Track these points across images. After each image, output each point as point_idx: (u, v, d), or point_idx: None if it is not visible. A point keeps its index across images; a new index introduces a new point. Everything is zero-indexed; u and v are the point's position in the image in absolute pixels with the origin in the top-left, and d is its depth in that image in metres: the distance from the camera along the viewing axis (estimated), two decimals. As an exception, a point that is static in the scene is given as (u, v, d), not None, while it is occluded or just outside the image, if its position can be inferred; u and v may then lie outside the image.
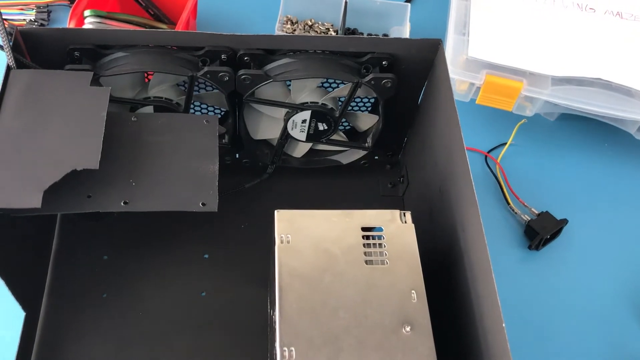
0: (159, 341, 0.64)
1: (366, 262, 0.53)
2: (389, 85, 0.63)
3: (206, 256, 0.70)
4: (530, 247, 0.74)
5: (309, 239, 0.54)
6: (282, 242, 0.54)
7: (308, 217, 0.56)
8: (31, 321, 0.63)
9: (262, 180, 0.74)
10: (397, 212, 0.57)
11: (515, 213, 0.76)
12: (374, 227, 0.56)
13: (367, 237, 0.55)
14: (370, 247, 0.54)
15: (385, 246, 0.54)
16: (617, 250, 0.75)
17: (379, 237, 0.55)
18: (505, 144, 0.82)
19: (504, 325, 0.47)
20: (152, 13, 0.85)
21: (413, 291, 0.52)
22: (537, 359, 0.67)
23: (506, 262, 0.74)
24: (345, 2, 0.86)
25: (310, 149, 0.74)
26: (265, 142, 0.73)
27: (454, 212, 0.58)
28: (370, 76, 0.62)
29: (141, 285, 0.67)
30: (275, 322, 0.50)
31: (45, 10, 0.87)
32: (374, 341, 0.49)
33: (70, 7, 0.78)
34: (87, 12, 0.77)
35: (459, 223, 0.57)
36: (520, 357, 0.67)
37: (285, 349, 0.48)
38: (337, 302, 0.51)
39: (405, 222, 0.56)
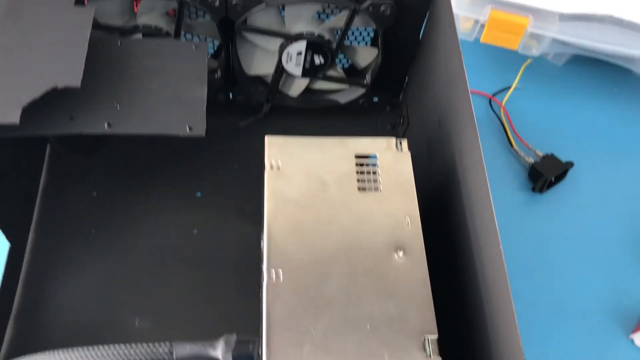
0: (148, 279, 0.62)
1: (359, 189, 0.51)
2: (388, 12, 0.60)
3: (199, 194, 0.68)
4: (533, 190, 0.71)
5: (300, 165, 0.52)
6: (271, 167, 0.52)
7: (300, 143, 0.53)
8: (16, 254, 0.61)
9: (257, 119, 0.72)
10: (392, 139, 0.54)
11: (519, 156, 0.73)
12: (369, 155, 0.53)
13: (361, 165, 0.53)
14: (364, 175, 0.52)
15: (379, 173, 0.52)
16: (624, 195, 0.73)
17: (374, 165, 0.53)
18: (511, 87, 0.79)
19: (501, 248, 0.45)
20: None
21: (407, 217, 0.50)
22: (539, 300, 0.65)
23: (509, 205, 0.71)
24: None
25: (307, 88, 0.71)
26: (260, 80, 0.70)
27: (452, 142, 0.56)
28: (368, 2, 0.59)
29: (131, 223, 0.65)
30: (263, 246, 0.48)
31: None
32: (365, 265, 0.47)
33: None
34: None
35: (457, 152, 0.54)
36: (522, 298, 0.65)
37: (273, 270, 0.46)
38: (327, 227, 0.49)
39: (402, 150, 0.54)
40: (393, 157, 0.53)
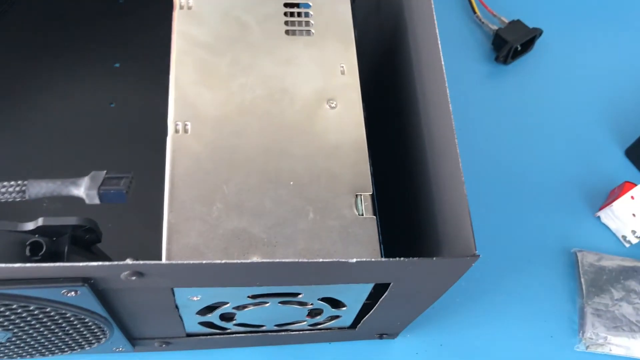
0: (58, 157, 0.55)
1: (287, 32, 0.43)
2: None
3: (117, 65, 0.60)
4: (497, 59, 0.64)
5: (215, 4, 0.44)
6: (181, 7, 0.44)
7: (217, -19, 0.45)
8: None
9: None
10: (328, -22, 0.46)
11: (483, 23, 0.66)
12: (300, -5, 0.45)
13: (291, 5, 0.45)
14: (294, 17, 0.44)
15: (312, 15, 0.44)
16: (596, 66, 0.66)
17: (305, 5, 0.45)
18: (476, -51, 0.70)
19: (449, 104, 0.38)
20: None
21: (342, 65, 0.43)
22: (503, 177, 0.59)
23: (471, 77, 0.64)
24: None
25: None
26: None
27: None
28: None
29: (39, 95, 0.57)
30: (169, 96, 0.41)
31: None
32: (290, 117, 0.40)
33: None
34: None
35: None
36: (484, 175, 0.59)
37: (179, 123, 0.39)
38: (246, 75, 0.41)
39: (339, -9, 0.46)
40: (329, -2, 0.45)
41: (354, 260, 0.31)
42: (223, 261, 0.31)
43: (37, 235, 0.33)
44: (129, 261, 0.30)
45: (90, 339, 0.40)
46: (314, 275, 0.35)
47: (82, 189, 0.31)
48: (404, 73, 0.47)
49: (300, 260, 0.32)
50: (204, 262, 0.31)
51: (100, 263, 0.30)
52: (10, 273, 0.30)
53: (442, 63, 0.39)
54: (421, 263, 0.32)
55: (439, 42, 0.40)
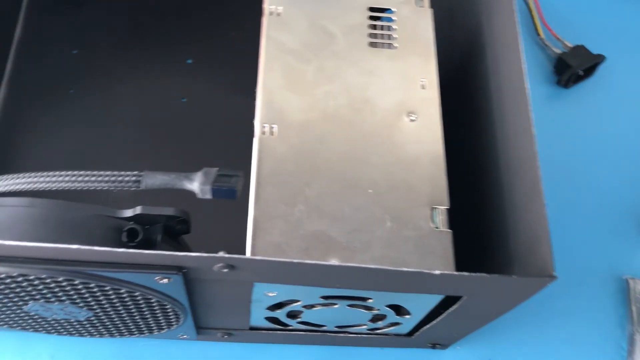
0: (129, 145, 0.57)
1: (370, 44, 0.45)
2: None
3: (189, 61, 0.61)
4: (559, 83, 0.65)
5: (304, 13, 0.45)
6: (271, 13, 0.45)
7: (305, -11, 0.47)
8: (-15, 109, 0.55)
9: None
10: (412, -7, 0.47)
11: (546, 46, 0.66)
12: (384, 8, 0.47)
13: (375, 18, 0.46)
14: (377, 29, 0.45)
15: (395, 29, 0.45)
16: (657, 96, 0.66)
17: (389, 20, 0.46)
18: (542, -29, 0.71)
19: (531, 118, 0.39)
20: None
21: (423, 79, 0.44)
22: (556, 198, 0.59)
23: (532, 98, 0.64)
24: None
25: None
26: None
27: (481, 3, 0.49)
28: None
29: (114, 85, 0.59)
30: (256, 99, 0.42)
31: None
32: (370, 127, 0.41)
33: None
34: None
35: (485, 11, 0.47)
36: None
37: (266, 125, 0.41)
38: (331, 82, 0.43)
39: (422, 6, 0.47)
40: (412, 13, 0.46)
41: (438, 272, 0.32)
42: (313, 261, 0.32)
43: (132, 223, 0.35)
44: (223, 254, 0.32)
45: (163, 324, 0.42)
46: (391, 283, 0.36)
47: (196, 184, 0.33)
48: (480, 88, 0.48)
49: (384, 267, 0.33)
50: (294, 260, 0.32)
51: (197, 254, 0.32)
52: (111, 257, 0.32)
53: (526, 85, 0.40)
54: (501, 280, 0.34)
55: (524, 63, 0.41)
